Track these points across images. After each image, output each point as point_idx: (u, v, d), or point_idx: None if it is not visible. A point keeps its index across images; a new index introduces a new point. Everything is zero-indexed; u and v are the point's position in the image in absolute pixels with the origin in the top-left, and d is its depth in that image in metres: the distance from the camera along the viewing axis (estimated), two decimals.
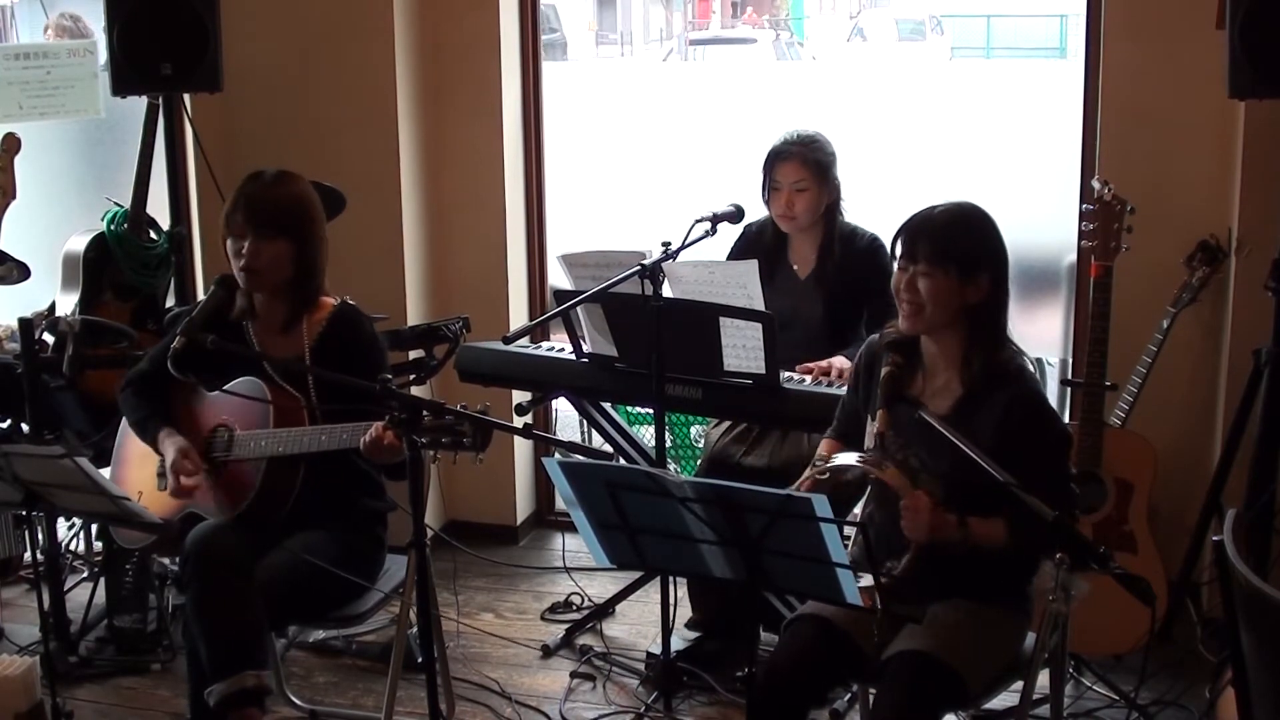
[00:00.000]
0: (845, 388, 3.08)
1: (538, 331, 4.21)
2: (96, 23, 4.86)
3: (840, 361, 3.54)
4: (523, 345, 3.84)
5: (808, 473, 2.70)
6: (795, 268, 3.80)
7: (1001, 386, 2.69)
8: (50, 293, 4.13)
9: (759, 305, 3.44)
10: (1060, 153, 4.27)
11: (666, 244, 3.42)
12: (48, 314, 3.95)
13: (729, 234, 3.77)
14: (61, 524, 4.24)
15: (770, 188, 3.73)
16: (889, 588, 2.50)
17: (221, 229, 3.21)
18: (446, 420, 2.69)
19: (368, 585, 3.20)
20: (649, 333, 3.33)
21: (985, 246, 2.73)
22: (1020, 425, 2.66)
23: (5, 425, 4.06)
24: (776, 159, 3.73)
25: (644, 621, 4.11)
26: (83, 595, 4.04)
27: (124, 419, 3.36)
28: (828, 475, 2.67)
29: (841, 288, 3.74)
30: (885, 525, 2.74)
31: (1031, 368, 2.81)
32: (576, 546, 4.35)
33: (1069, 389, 3.82)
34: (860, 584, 2.40)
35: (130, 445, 3.36)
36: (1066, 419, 3.65)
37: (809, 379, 3.50)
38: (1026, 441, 2.64)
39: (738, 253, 3.86)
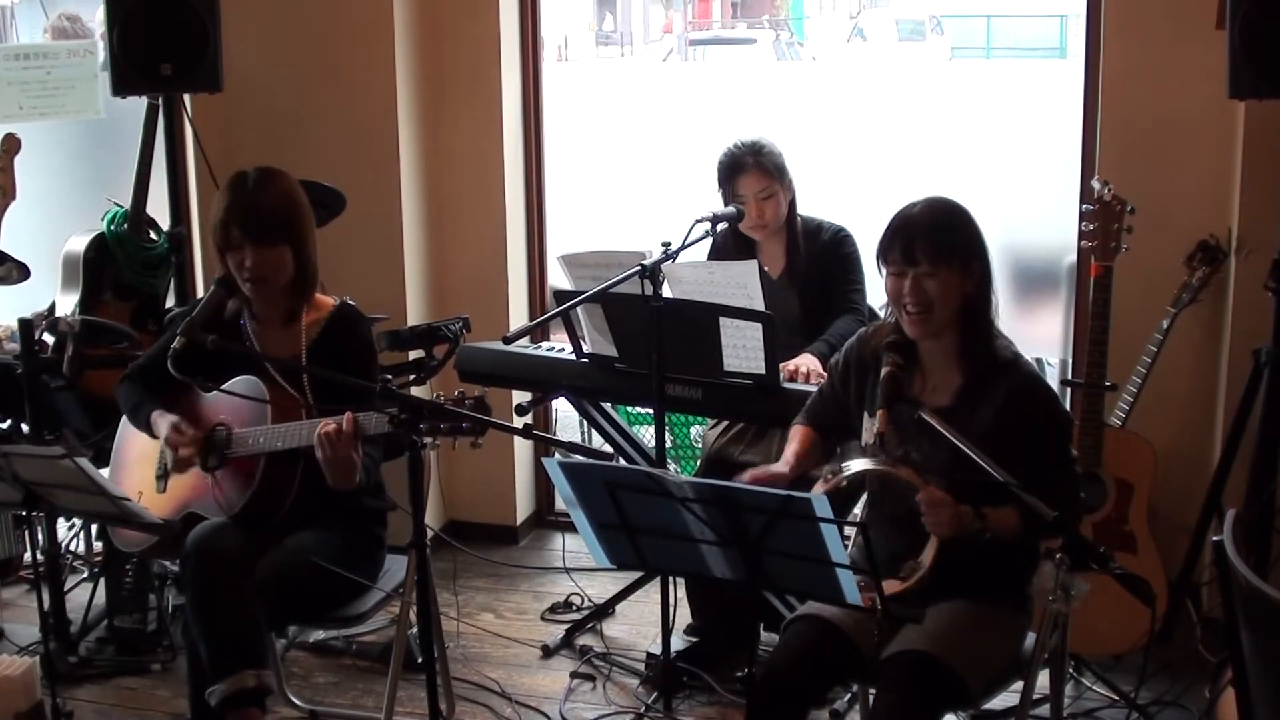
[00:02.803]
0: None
1: (538, 331, 4.20)
2: (96, 23, 4.87)
3: (808, 360, 3.55)
4: (523, 345, 3.84)
5: (819, 487, 2.65)
6: (766, 269, 3.80)
7: (1000, 374, 2.71)
8: (50, 293, 4.13)
9: (759, 305, 3.44)
10: (1060, 153, 4.27)
11: (666, 244, 3.42)
12: (48, 314, 3.95)
13: (700, 251, 3.77)
14: (61, 524, 4.24)
15: (736, 203, 3.73)
16: (923, 587, 2.52)
17: (215, 239, 3.16)
18: (446, 406, 2.69)
19: (368, 585, 3.20)
20: (649, 333, 3.33)
21: (973, 237, 2.75)
22: (1023, 410, 2.67)
23: (5, 425, 4.06)
24: (734, 173, 3.73)
25: (644, 621, 4.11)
26: (83, 595, 4.04)
27: (123, 419, 3.36)
28: (844, 485, 2.65)
29: (814, 283, 3.76)
30: (886, 525, 2.74)
31: (1024, 355, 2.80)
32: (576, 546, 4.35)
33: (1069, 389, 3.82)
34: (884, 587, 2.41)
35: (129, 445, 3.36)
36: None
37: (800, 379, 3.50)
38: (1030, 426, 2.66)
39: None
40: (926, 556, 2.61)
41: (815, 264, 3.77)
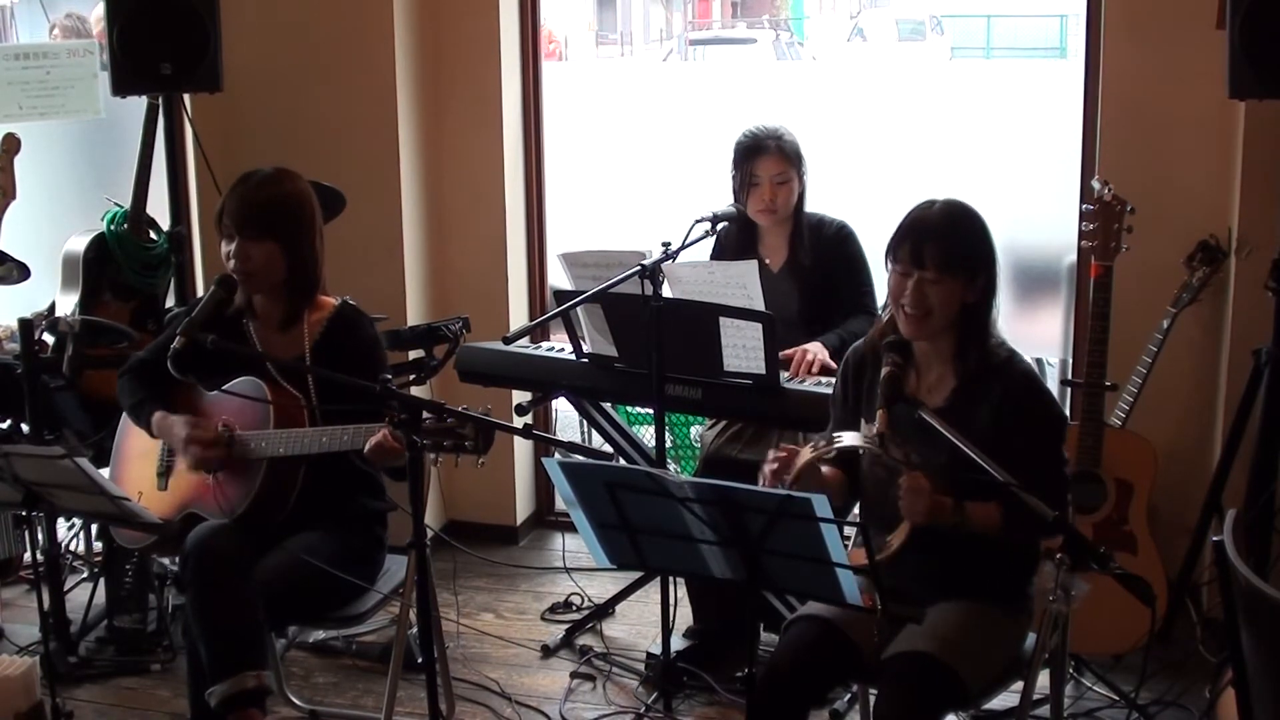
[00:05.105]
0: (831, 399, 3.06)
1: (538, 331, 4.20)
2: (93, 21, 4.86)
3: (816, 346, 3.55)
4: (523, 345, 3.84)
5: (807, 452, 2.66)
6: (767, 261, 3.80)
7: (995, 375, 2.71)
8: (50, 293, 4.12)
9: (759, 305, 3.44)
10: (1060, 153, 4.27)
11: (666, 244, 3.42)
12: (48, 314, 3.95)
13: (699, 251, 3.78)
14: (61, 524, 4.24)
15: (749, 184, 3.73)
16: (878, 564, 2.52)
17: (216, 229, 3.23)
18: (448, 423, 2.69)
19: (367, 586, 3.20)
20: (649, 333, 3.33)
21: (985, 248, 2.74)
22: (1019, 410, 2.67)
23: (5, 425, 4.06)
24: (754, 154, 3.73)
25: (644, 622, 4.11)
26: (83, 595, 4.05)
27: (123, 416, 3.36)
28: (833, 454, 2.67)
29: (815, 277, 3.76)
30: (879, 524, 2.73)
31: (1019, 354, 2.80)
32: (576, 546, 4.35)
33: (1069, 389, 3.83)
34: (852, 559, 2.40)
35: (129, 444, 3.36)
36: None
37: (809, 380, 3.50)
38: (1025, 424, 2.66)
39: (714, 257, 3.86)
40: (895, 538, 2.62)
41: (817, 259, 3.77)
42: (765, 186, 3.71)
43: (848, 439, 2.68)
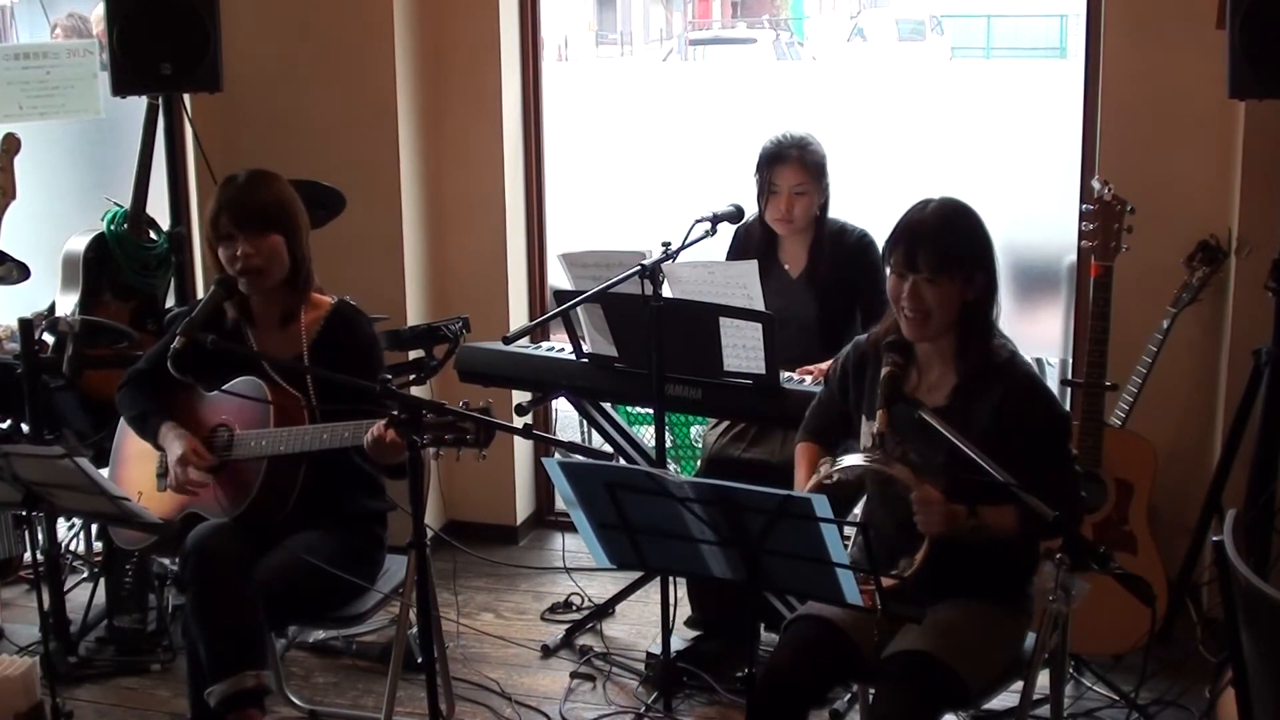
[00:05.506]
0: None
1: (538, 331, 4.21)
2: (94, 21, 4.86)
3: None
4: (523, 345, 3.84)
5: (813, 483, 2.69)
6: (786, 267, 3.80)
7: (996, 374, 2.71)
8: (50, 293, 4.12)
9: (759, 305, 3.44)
10: (1060, 153, 4.27)
11: (666, 244, 3.42)
12: (48, 314, 3.95)
13: (723, 240, 3.77)
14: (61, 524, 4.24)
15: (769, 191, 3.73)
16: (906, 586, 2.52)
17: (208, 237, 3.19)
18: (448, 418, 2.69)
19: (367, 586, 3.20)
20: (649, 333, 3.33)
21: (980, 246, 2.74)
22: (1020, 410, 2.67)
23: (5, 425, 4.06)
24: (775, 162, 3.72)
25: (644, 621, 4.11)
26: (83, 595, 4.05)
27: (123, 417, 3.36)
28: (834, 480, 2.67)
29: (833, 285, 3.75)
30: (888, 526, 2.73)
31: (1021, 354, 2.80)
32: (576, 546, 4.35)
33: (1069, 389, 3.83)
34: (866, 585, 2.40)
35: (129, 444, 3.36)
36: None
37: (809, 379, 3.50)
38: (1027, 426, 2.66)
39: (732, 256, 3.86)
40: (918, 554, 2.62)
41: (837, 267, 3.75)
42: (783, 196, 3.71)
43: (849, 461, 2.67)
